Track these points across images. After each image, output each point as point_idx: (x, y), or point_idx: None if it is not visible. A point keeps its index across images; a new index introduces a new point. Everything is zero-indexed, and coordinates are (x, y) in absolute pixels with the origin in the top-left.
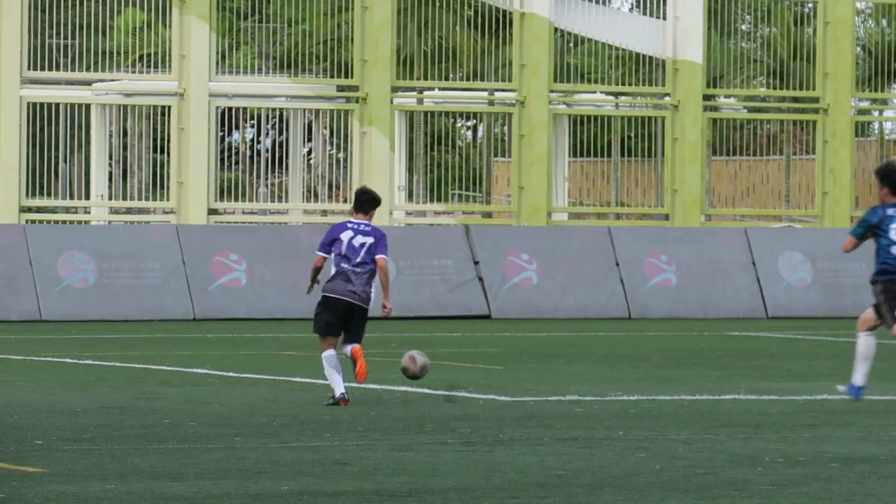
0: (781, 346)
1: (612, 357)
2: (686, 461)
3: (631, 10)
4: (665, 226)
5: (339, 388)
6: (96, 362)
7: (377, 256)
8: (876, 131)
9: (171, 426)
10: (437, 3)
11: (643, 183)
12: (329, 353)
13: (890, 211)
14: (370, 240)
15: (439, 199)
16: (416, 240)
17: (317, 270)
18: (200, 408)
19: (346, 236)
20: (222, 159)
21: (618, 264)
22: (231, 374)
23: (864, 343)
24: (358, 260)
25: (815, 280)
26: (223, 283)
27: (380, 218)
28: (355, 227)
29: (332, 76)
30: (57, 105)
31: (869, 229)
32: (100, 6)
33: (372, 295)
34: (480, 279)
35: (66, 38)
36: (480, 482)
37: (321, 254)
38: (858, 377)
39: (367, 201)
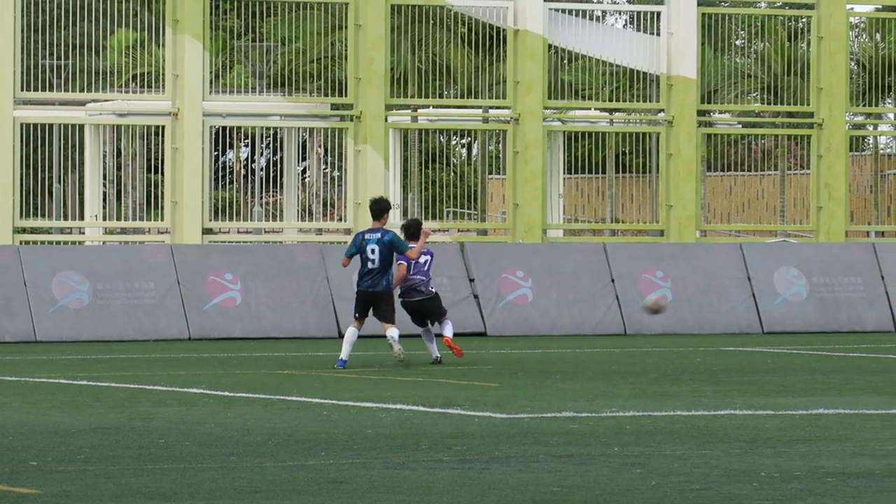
0: (777, 361)
1: (608, 373)
2: (682, 477)
3: (625, 26)
4: (660, 242)
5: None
6: (91, 383)
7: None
8: (870, 145)
9: (166, 446)
10: (431, 21)
11: (638, 199)
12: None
13: (368, 235)
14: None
15: (434, 217)
16: None
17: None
18: (195, 428)
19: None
20: (217, 179)
21: (613, 280)
22: (226, 393)
23: None
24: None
25: (810, 295)
26: (218, 302)
27: None
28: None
29: (326, 95)
30: (50, 125)
31: (357, 249)
32: (93, 26)
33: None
34: (476, 296)
35: (59, 58)
36: (476, 500)
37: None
38: None
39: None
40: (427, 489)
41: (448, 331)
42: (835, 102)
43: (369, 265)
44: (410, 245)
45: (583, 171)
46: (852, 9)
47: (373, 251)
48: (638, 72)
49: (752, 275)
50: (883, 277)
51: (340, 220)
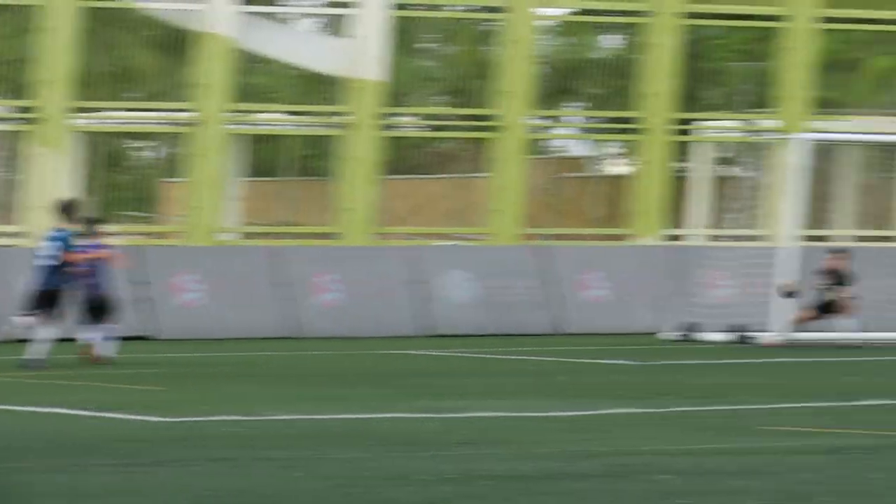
0: (441, 365)
1: (277, 376)
2: (341, 480)
3: (314, 29)
4: (335, 244)
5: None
6: None
7: None
8: (551, 149)
9: None
10: (120, 24)
11: (318, 202)
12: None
13: (49, 234)
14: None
15: (114, 221)
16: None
17: None
18: None
19: None
20: None
21: (287, 284)
22: None
23: None
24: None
25: (481, 298)
26: None
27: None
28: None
29: (10, 97)
30: None
31: None
32: None
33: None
34: (147, 299)
35: None
36: None
37: None
38: None
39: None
40: (82, 494)
41: (98, 336)
42: (517, 105)
43: (47, 262)
44: (87, 245)
45: (265, 174)
46: (539, 13)
47: (48, 248)
48: (324, 75)
49: (424, 278)
50: (553, 281)
51: (16, 224)
